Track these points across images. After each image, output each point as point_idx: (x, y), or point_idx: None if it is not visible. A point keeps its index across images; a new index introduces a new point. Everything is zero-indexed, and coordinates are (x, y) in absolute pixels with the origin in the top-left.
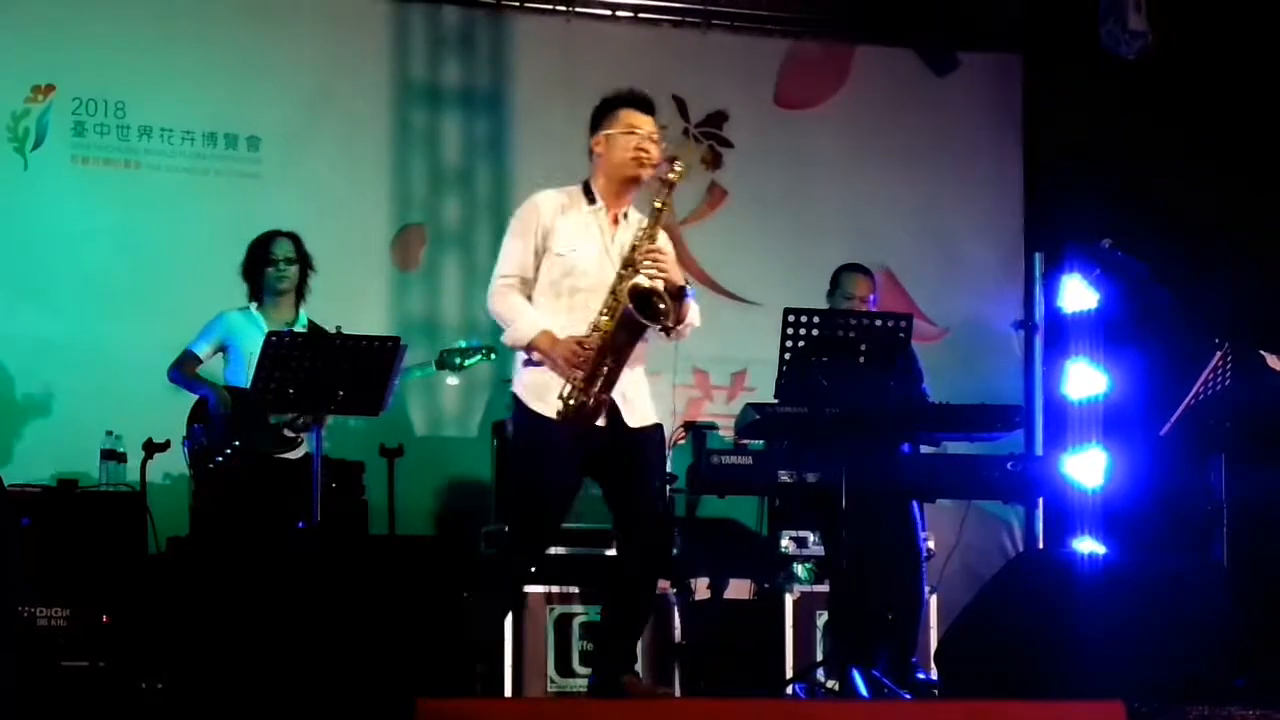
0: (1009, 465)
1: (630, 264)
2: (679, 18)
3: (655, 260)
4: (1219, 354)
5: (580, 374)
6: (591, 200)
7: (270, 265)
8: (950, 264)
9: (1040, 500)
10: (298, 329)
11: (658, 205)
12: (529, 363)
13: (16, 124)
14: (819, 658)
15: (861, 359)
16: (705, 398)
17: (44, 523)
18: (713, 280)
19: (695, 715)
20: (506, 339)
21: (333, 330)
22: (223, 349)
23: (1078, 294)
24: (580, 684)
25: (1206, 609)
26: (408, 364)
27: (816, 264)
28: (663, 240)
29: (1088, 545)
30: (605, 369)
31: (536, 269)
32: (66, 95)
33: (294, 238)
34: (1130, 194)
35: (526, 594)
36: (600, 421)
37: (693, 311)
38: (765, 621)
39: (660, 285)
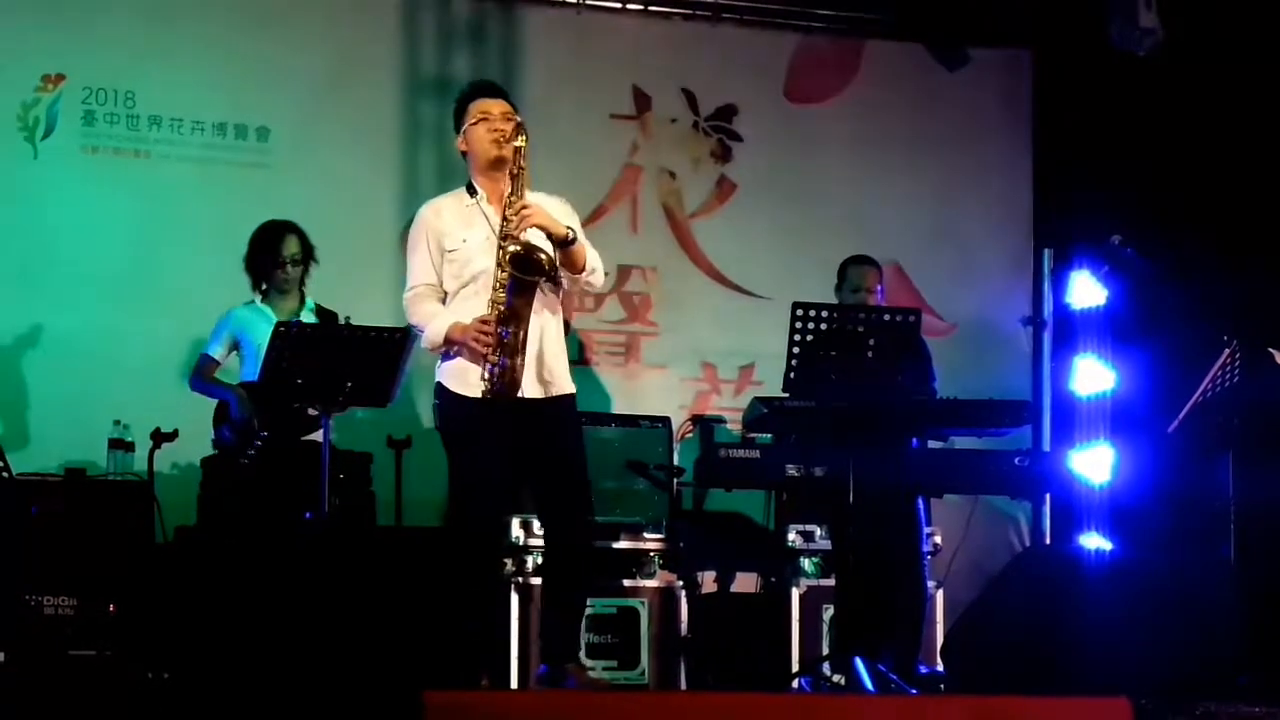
0: (1017, 461)
1: (506, 235)
2: (689, 11)
3: (524, 216)
4: (1227, 351)
5: (490, 348)
6: (473, 193)
7: (277, 267)
8: (959, 259)
9: (1047, 496)
10: (305, 315)
11: (513, 172)
12: (447, 356)
13: (27, 113)
14: (825, 651)
15: (870, 354)
16: (713, 391)
17: (52, 511)
18: (721, 274)
19: (701, 709)
20: (425, 343)
21: (340, 314)
22: (236, 346)
23: (1086, 290)
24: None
25: (1213, 606)
26: None
27: (825, 258)
28: (541, 199)
29: (1094, 541)
30: (510, 337)
31: (439, 273)
32: (77, 84)
33: (299, 233)
34: (1140, 190)
35: (532, 586)
36: (526, 392)
37: (591, 256)
38: (771, 615)
39: (539, 240)
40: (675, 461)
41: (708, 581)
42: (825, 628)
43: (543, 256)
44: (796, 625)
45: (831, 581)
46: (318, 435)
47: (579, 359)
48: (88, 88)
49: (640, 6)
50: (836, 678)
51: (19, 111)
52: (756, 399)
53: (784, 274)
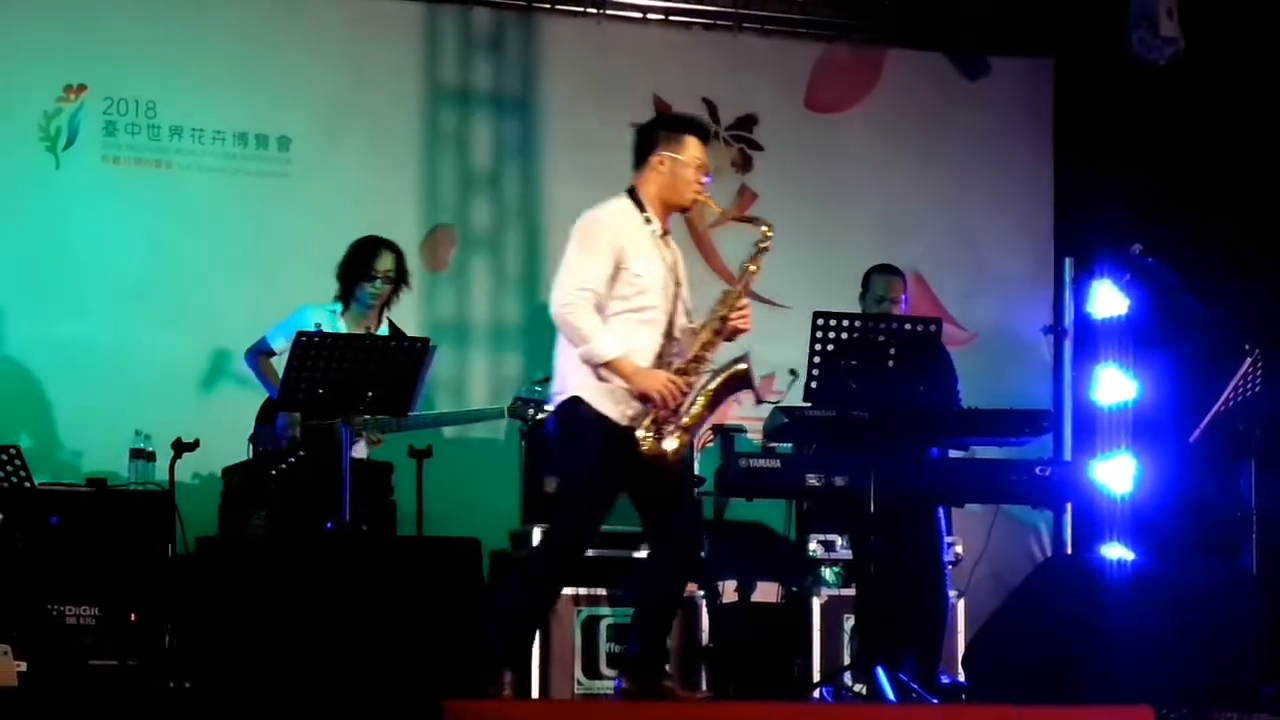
0: (1038, 470)
1: (725, 318)
2: (710, 20)
3: (745, 319)
4: (1249, 360)
5: (672, 409)
6: (643, 211)
7: (368, 280)
8: (980, 268)
9: (1069, 506)
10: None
11: (752, 269)
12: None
13: (48, 123)
14: (846, 661)
15: (891, 363)
16: (734, 401)
17: (73, 521)
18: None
19: (722, 718)
20: (583, 353)
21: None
22: None
23: (1108, 300)
24: (607, 686)
25: (1235, 616)
26: (476, 405)
27: (846, 268)
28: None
29: (1116, 551)
30: (693, 414)
31: (609, 285)
32: (98, 95)
33: (398, 253)
34: (1161, 199)
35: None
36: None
37: None
38: (793, 625)
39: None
40: (696, 471)
41: (729, 591)
42: (847, 637)
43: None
44: (818, 635)
45: (853, 591)
46: (357, 451)
47: None
48: (109, 98)
49: (661, 16)
50: (858, 687)
51: (41, 122)
52: (777, 408)
53: (804, 283)
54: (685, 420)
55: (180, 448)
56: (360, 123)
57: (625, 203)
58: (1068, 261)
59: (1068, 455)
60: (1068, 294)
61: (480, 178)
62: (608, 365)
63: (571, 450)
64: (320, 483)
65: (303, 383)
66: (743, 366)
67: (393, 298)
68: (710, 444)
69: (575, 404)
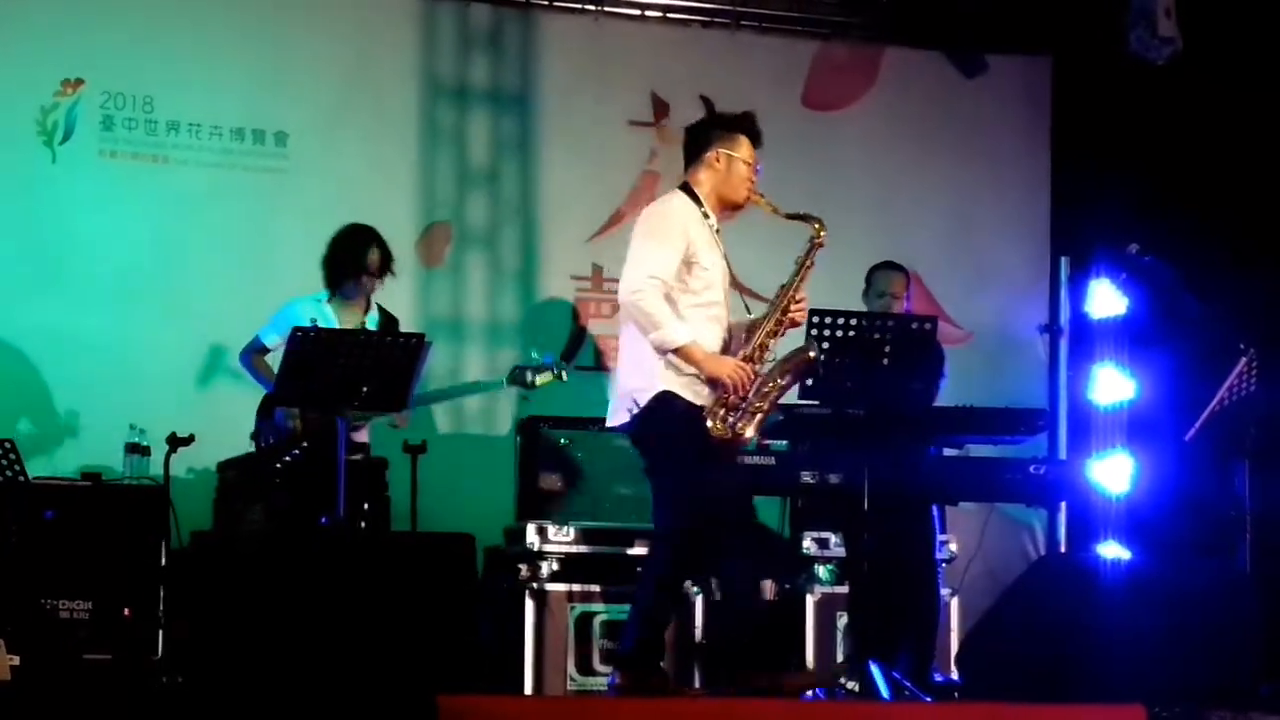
0: (1033, 469)
1: (786, 310)
2: (708, 18)
3: (801, 313)
4: (1245, 360)
5: (742, 396)
6: (700, 207)
7: (358, 276)
8: (976, 267)
9: (1063, 505)
10: (370, 321)
11: (809, 264)
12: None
13: (45, 117)
14: (840, 659)
15: (886, 360)
16: None
17: (68, 515)
18: (738, 280)
19: (716, 715)
20: (654, 340)
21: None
22: None
23: (1105, 299)
24: (600, 683)
25: (1230, 615)
26: (476, 378)
27: (842, 265)
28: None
29: (1111, 550)
30: (768, 397)
31: (677, 277)
32: (96, 89)
33: (382, 245)
34: (1158, 199)
35: (547, 592)
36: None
37: None
38: (787, 622)
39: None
40: None
41: None
42: (840, 635)
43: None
44: (812, 632)
45: (847, 589)
46: (358, 435)
47: (595, 365)
48: (106, 92)
49: (659, 13)
50: (851, 685)
51: (38, 116)
52: None
53: None
54: (761, 405)
55: (175, 442)
56: (358, 118)
57: (685, 198)
58: (1064, 260)
59: (1063, 454)
60: (1064, 293)
61: (478, 174)
62: (677, 351)
63: (672, 443)
64: (318, 477)
65: (299, 378)
66: (812, 354)
67: (378, 286)
68: None
69: (667, 398)
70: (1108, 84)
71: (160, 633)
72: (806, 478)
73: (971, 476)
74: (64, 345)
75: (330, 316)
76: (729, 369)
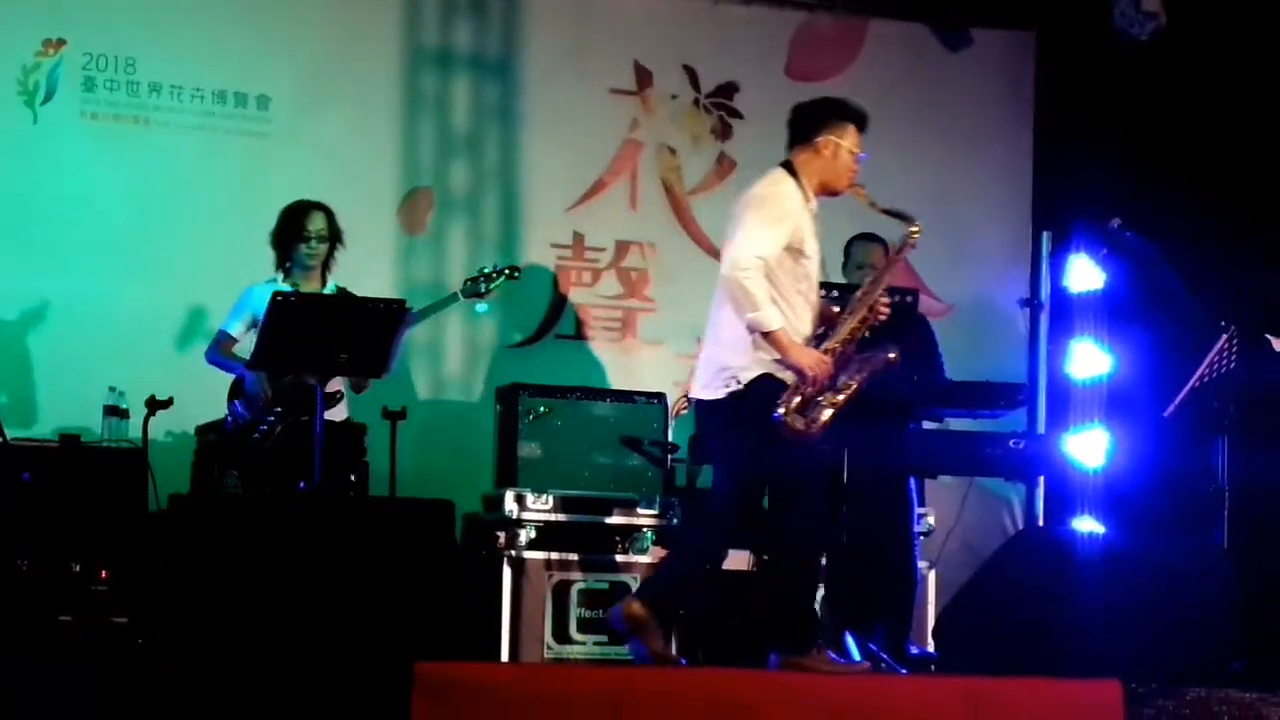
0: (1011, 443)
1: (872, 307)
2: None
3: (882, 313)
4: (1225, 337)
5: (818, 389)
6: (801, 191)
7: (302, 241)
8: (958, 240)
9: (1041, 479)
10: None
11: (898, 262)
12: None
13: (27, 78)
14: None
15: (866, 333)
16: None
17: (45, 477)
18: (719, 251)
19: (692, 685)
20: (750, 320)
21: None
22: (255, 324)
23: (1084, 273)
24: (577, 651)
25: (1205, 591)
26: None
27: (824, 237)
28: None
29: (1088, 525)
30: (840, 398)
31: (780, 259)
32: (77, 50)
33: (327, 212)
34: (1140, 175)
35: (525, 560)
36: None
37: None
38: (764, 593)
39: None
40: (670, 438)
41: None
42: (817, 607)
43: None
44: None
45: (823, 560)
46: (334, 414)
47: (575, 334)
48: (88, 53)
49: None
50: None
51: (19, 76)
52: None
53: None
54: (835, 400)
55: (154, 405)
56: (340, 83)
57: (791, 181)
58: (1046, 235)
59: (1041, 429)
60: (1045, 267)
61: (459, 140)
62: (767, 335)
63: (768, 423)
64: (294, 442)
65: (277, 344)
66: (892, 355)
67: (330, 259)
68: (684, 411)
69: (767, 380)
70: (1091, 59)
71: (138, 595)
72: None
73: (951, 450)
74: (42, 306)
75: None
76: (811, 360)
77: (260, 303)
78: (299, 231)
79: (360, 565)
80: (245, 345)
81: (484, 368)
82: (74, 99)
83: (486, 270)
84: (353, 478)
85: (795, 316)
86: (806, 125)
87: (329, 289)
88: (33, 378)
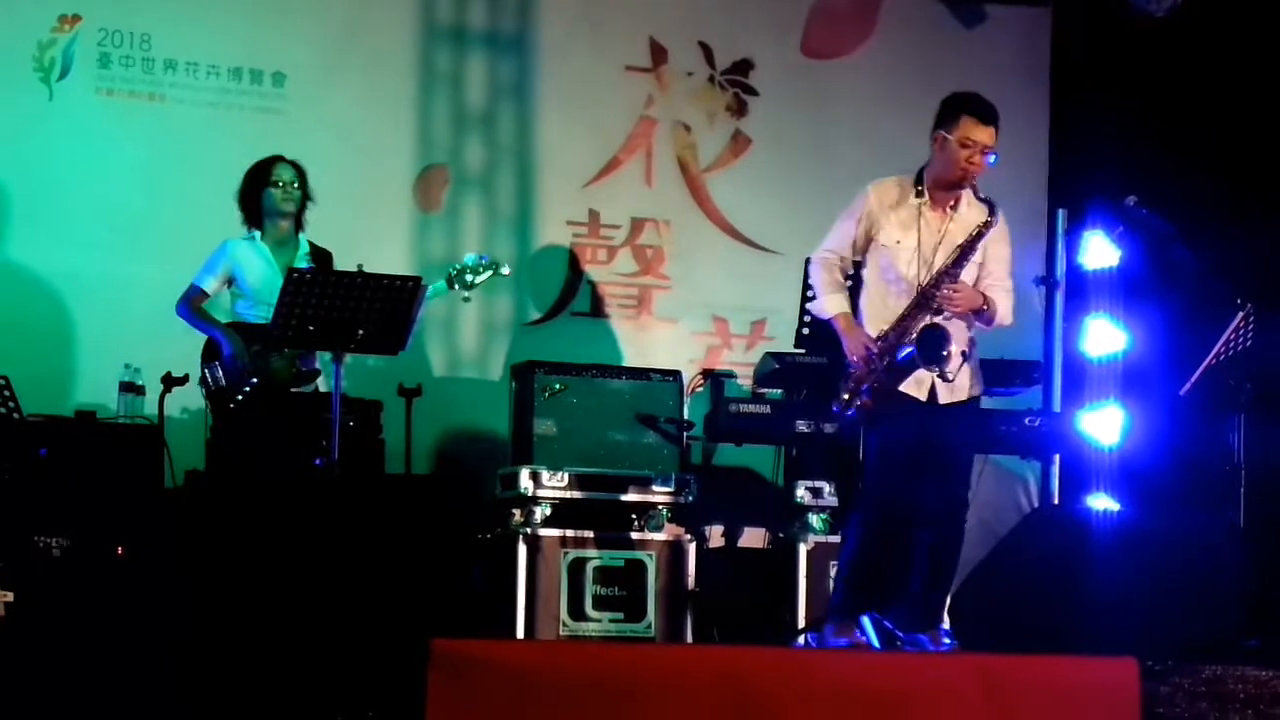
0: (1027, 420)
1: (931, 294)
2: None
3: (950, 300)
4: (1241, 314)
5: (863, 372)
6: (919, 192)
7: (273, 186)
8: None
9: (1057, 457)
10: (300, 258)
11: (965, 246)
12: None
13: (43, 54)
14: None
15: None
16: (724, 345)
17: (61, 454)
18: (734, 228)
19: (706, 662)
20: (812, 307)
21: (339, 255)
22: (230, 280)
23: (1100, 251)
24: (592, 628)
25: (1221, 569)
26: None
27: (838, 214)
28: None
29: (1103, 503)
30: (894, 382)
31: (862, 254)
32: (93, 26)
33: (295, 164)
34: (1156, 152)
35: (540, 537)
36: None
37: (1004, 310)
38: (779, 571)
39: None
40: (685, 415)
41: (715, 536)
42: (832, 584)
43: (948, 353)
44: (804, 581)
45: (839, 538)
46: (308, 388)
47: (591, 310)
48: (104, 29)
49: None
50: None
51: (35, 52)
52: (768, 354)
53: (797, 229)
54: (890, 384)
55: (169, 382)
56: (355, 59)
57: (906, 178)
58: (1061, 212)
59: (1057, 406)
60: (1060, 245)
61: (474, 117)
62: (830, 321)
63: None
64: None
65: (294, 319)
66: (933, 321)
67: (302, 215)
68: (700, 388)
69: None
70: (1107, 36)
71: (153, 572)
72: (801, 426)
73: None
74: (59, 283)
75: (263, 249)
76: (853, 345)
77: (237, 259)
78: (265, 177)
79: (376, 542)
80: (218, 302)
81: (500, 345)
82: (89, 75)
83: (473, 264)
84: (364, 451)
85: (882, 304)
86: (935, 122)
87: (301, 247)
88: (49, 354)
